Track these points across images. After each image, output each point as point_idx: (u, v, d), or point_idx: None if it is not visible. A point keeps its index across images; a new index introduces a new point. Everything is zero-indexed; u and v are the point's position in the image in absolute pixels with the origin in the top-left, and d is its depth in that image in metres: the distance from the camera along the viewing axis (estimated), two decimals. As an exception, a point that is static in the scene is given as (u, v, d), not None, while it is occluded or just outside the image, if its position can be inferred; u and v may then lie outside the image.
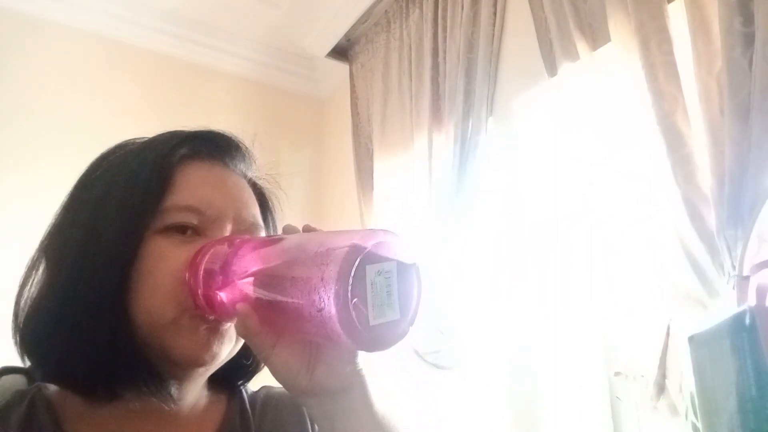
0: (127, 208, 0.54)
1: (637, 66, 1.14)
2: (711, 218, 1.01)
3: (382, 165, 1.99)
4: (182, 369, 0.54)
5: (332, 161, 2.50)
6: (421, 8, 1.90)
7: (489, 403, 1.65)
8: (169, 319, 0.51)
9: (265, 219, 0.64)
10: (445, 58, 1.75)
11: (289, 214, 2.45)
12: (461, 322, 1.63)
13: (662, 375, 1.16)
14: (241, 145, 0.65)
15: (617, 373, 1.26)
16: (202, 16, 2.29)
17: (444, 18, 1.77)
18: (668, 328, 1.18)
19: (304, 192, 2.50)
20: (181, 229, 0.55)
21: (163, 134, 0.61)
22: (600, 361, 1.45)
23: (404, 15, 2.00)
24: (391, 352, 0.44)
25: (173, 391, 0.54)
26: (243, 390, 0.67)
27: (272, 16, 2.31)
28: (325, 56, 2.33)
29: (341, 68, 2.37)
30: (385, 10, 2.09)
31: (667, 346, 1.17)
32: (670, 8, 1.14)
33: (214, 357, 0.53)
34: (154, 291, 0.52)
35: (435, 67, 1.79)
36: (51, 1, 2.06)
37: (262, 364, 0.65)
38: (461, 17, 1.68)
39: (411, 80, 1.89)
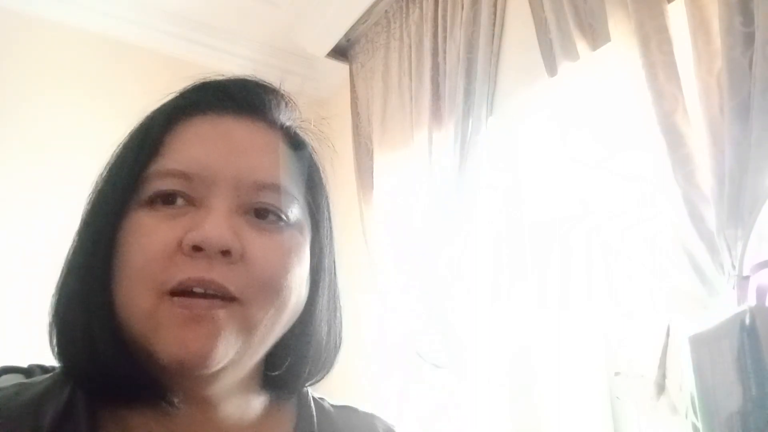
0: (113, 181, 0.46)
1: (637, 66, 1.14)
2: (711, 218, 1.01)
3: (382, 164, 1.99)
4: (181, 376, 0.44)
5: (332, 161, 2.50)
6: (421, 8, 1.90)
7: (489, 403, 1.65)
8: (146, 309, 0.42)
9: (309, 179, 0.52)
10: (445, 58, 1.75)
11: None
12: (461, 322, 1.63)
13: (662, 375, 1.16)
14: (267, 87, 0.52)
15: (617, 373, 1.26)
16: (202, 16, 2.29)
17: (444, 18, 1.77)
18: (668, 328, 1.18)
19: (304, 192, 2.49)
20: (169, 200, 0.45)
21: (174, 92, 0.52)
22: (600, 361, 1.45)
23: (404, 15, 2.00)
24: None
25: (176, 401, 0.45)
26: (312, 399, 0.56)
27: (272, 16, 2.31)
28: (325, 56, 2.33)
29: (341, 68, 2.37)
30: (385, 10, 2.09)
31: (667, 346, 1.17)
32: (670, 8, 1.14)
33: (204, 356, 0.42)
34: (129, 277, 0.43)
35: (435, 66, 1.79)
36: (52, 1, 2.06)
37: (328, 365, 0.55)
38: (461, 17, 1.68)
39: (411, 80, 1.89)
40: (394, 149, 1.94)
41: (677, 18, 1.12)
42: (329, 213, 0.54)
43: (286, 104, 0.52)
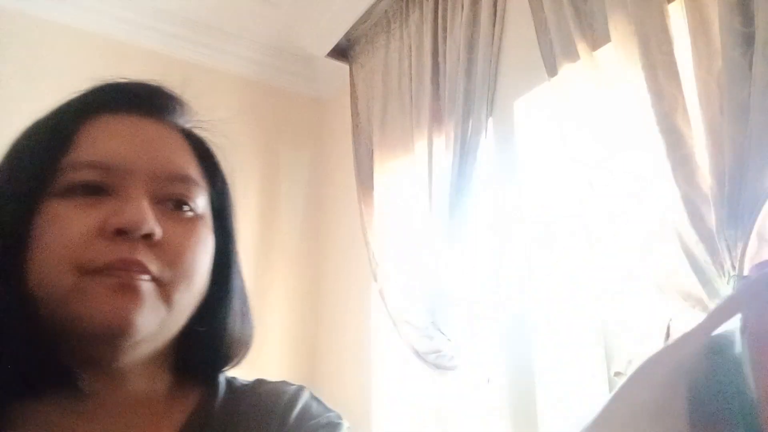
0: (21, 172, 0.48)
1: (637, 66, 1.14)
2: (711, 218, 1.01)
3: (382, 165, 1.99)
4: (100, 346, 0.46)
5: (332, 161, 2.50)
6: (421, 8, 1.90)
7: (488, 404, 1.65)
8: (70, 285, 0.44)
9: (210, 173, 0.56)
10: (445, 58, 1.75)
11: (289, 213, 2.47)
12: (461, 322, 1.63)
13: (662, 375, 1.16)
14: (167, 92, 0.56)
15: (617, 373, 1.26)
16: (202, 16, 2.29)
17: (444, 18, 1.77)
18: (668, 328, 1.18)
19: (304, 192, 2.50)
20: (89, 191, 0.47)
21: (78, 92, 0.54)
22: (600, 361, 1.45)
23: (404, 15, 2.00)
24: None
25: (85, 383, 0.47)
26: (223, 380, 0.57)
27: (272, 16, 2.32)
28: (325, 56, 2.33)
29: (341, 68, 2.37)
30: (385, 11, 2.09)
31: (667, 347, 1.17)
32: (670, 8, 1.14)
33: (130, 323, 0.44)
34: (47, 259, 0.45)
35: (435, 67, 1.79)
36: (51, 1, 2.06)
37: (244, 348, 0.57)
38: (461, 18, 1.68)
39: (411, 80, 1.89)
40: (394, 149, 1.94)
41: (677, 18, 1.12)
42: (232, 204, 0.58)
43: (185, 107, 0.57)
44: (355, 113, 2.22)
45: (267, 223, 2.38)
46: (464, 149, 1.61)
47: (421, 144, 1.79)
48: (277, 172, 2.46)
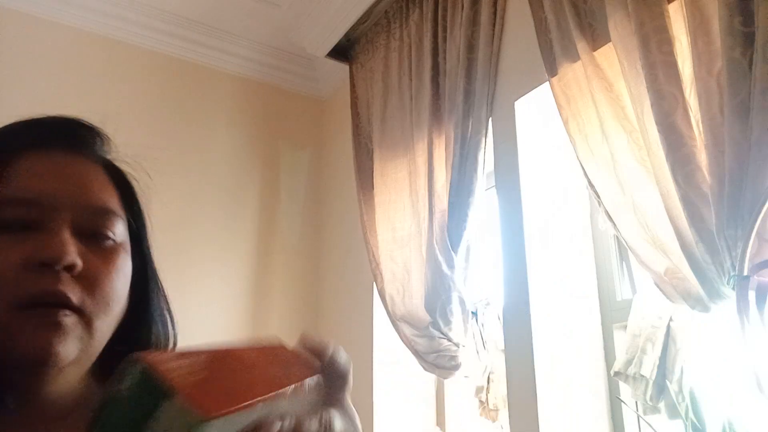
0: None
1: (637, 66, 1.14)
2: (711, 218, 1.01)
3: (382, 165, 1.99)
4: (27, 375, 0.51)
5: (332, 161, 2.50)
6: (421, 8, 1.90)
7: (488, 404, 1.65)
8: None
9: (129, 205, 0.60)
10: (445, 58, 1.75)
11: (289, 213, 2.47)
12: (461, 323, 1.63)
13: (662, 375, 1.16)
14: (87, 125, 0.60)
15: (617, 373, 1.26)
16: (202, 16, 2.29)
17: (444, 18, 1.77)
18: (668, 328, 1.18)
19: (304, 192, 2.50)
20: (16, 226, 0.51)
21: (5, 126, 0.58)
22: (600, 361, 1.45)
23: (404, 15, 2.00)
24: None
25: (9, 400, 0.50)
26: None
27: (272, 16, 2.32)
28: (325, 56, 2.33)
29: (341, 68, 2.37)
30: (385, 10, 2.09)
31: (667, 346, 1.17)
32: (670, 8, 1.14)
33: (52, 354, 0.49)
34: None
35: (435, 67, 1.79)
36: (51, 1, 2.06)
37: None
38: (461, 17, 1.68)
39: (411, 80, 1.89)
40: (394, 149, 1.94)
41: (677, 18, 1.12)
42: (147, 227, 0.63)
43: (104, 140, 0.61)
44: (355, 113, 2.22)
45: (267, 222, 2.38)
46: (464, 149, 1.61)
47: (421, 144, 1.79)
48: (277, 171, 2.46)
